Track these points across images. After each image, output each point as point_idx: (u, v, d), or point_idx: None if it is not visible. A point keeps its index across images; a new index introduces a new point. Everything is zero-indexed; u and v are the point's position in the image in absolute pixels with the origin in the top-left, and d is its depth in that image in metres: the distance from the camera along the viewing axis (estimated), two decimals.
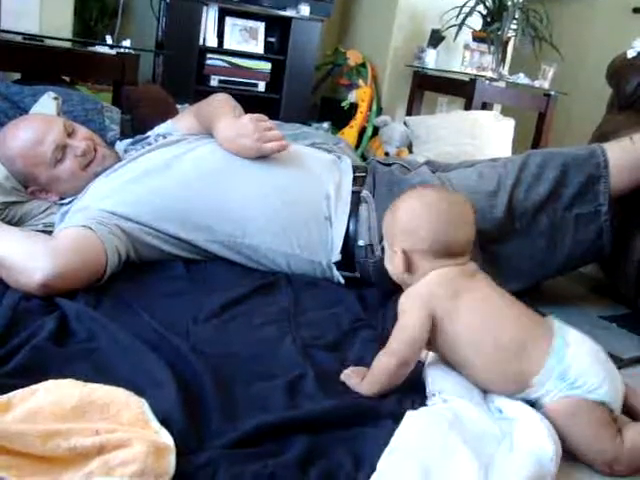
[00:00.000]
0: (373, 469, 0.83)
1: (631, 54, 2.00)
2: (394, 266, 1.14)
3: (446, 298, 1.05)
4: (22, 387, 0.87)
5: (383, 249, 1.22)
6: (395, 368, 1.03)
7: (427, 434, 0.89)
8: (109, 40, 2.84)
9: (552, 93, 3.86)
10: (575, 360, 0.99)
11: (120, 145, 1.79)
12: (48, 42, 2.46)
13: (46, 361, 1.01)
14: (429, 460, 0.84)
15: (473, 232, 1.13)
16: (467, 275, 1.09)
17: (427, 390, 1.07)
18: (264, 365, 1.08)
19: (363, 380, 1.05)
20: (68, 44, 2.64)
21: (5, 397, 0.84)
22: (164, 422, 0.85)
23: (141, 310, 1.23)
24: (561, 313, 1.61)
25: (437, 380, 1.07)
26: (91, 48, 2.71)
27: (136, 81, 2.53)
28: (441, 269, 1.08)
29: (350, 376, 1.06)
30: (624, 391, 1.03)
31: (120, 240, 1.44)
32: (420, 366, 1.13)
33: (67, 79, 2.50)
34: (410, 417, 0.93)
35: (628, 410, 1.05)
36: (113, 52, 2.62)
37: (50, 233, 1.47)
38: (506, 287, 1.48)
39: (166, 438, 0.82)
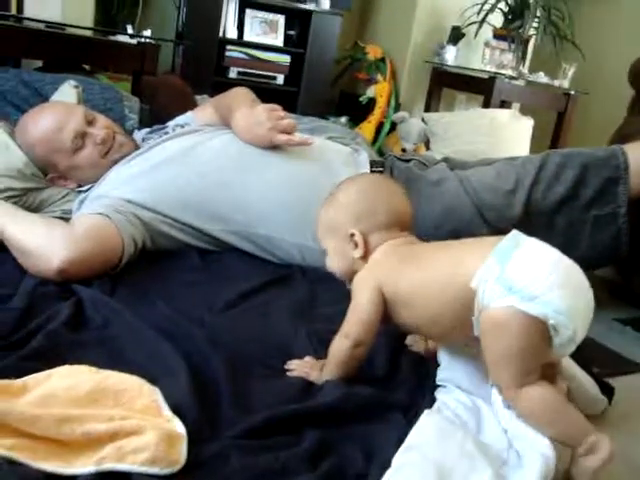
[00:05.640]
0: (383, 465, 0.83)
1: None
2: (346, 258, 1.09)
3: (391, 264, 1.03)
4: (37, 371, 0.88)
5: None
6: (349, 350, 1.01)
7: (444, 437, 0.88)
8: (130, 30, 2.85)
9: (572, 93, 3.83)
10: (520, 262, 0.89)
11: (138, 134, 1.80)
12: (70, 31, 2.47)
13: (61, 346, 1.02)
14: (445, 462, 0.83)
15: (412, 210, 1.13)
16: (411, 243, 1.08)
17: (438, 377, 1.06)
18: (278, 357, 1.08)
19: (322, 369, 1.03)
20: (89, 33, 2.64)
21: (20, 381, 0.85)
22: (177, 411, 0.85)
23: (156, 299, 1.24)
24: None
25: (450, 369, 1.07)
26: (112, 37, 2.71)
27: (155, 71, 2.53)
28: (390, 241, 1.07)
29: (309, 373, 1.03)
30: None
31: (136, 229, 1.44)
32: (432, 356, 1.13)
33: (87, 68, 2.51)
34: (427, 416, 0.92)
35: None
36: (133, 42, 2.62)
37: (68, 220, 1.49)
38: None
39: (178, 427, 0.82)
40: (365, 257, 1.08)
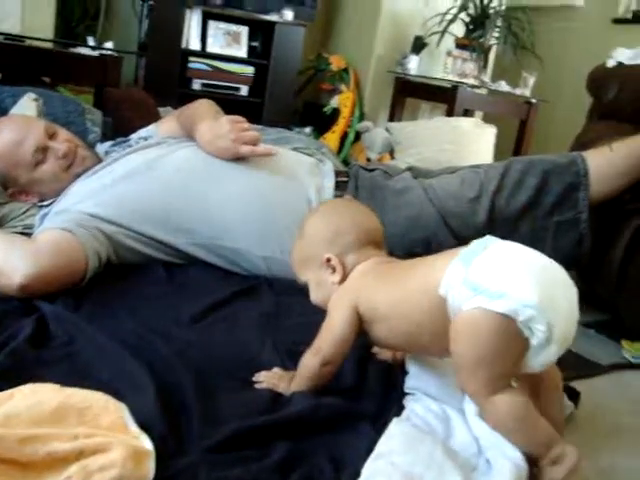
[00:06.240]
0: (353, 475, 0.83)
1: (610, 64, 2.03)
2: (326, 285, 1.08)
3: (367, 282, 1.03)
4: None
5: None
6: (319, 367, 1.01)
7: (413, 445, 0.88)
8: (91, 42, 2.82)
9: (533, 101, 3.89)
10: (486, 262, 0.87)
11: (101, 147, 1.79)
12: (29, 43, 2.44)
13: (24, 364, 1.00)
14: (414, 469, 0.83)
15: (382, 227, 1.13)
16: (387, 261, 1.08)
17: (406, 386, 1.07)
18: (246, 369, 1.07)
19: (291, 381, 1.03)
20: (49, 45, 2.62)
21: None
22: (144, 426, 0.84)
23: (122, 313, 1.23)
24: None
25: (418, 377, 1.07)
26: (73, 49, 2.69)
27: (118, 83, 2.51)
28: (366, 261, 1.06)
29: (277, 385, 1.03)
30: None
31: (100, 243, 1.43)
32: (399, 364, 1.13)
33: (48, 80, 2.48)
34: (396, 424, 0.93)
35: None
36: (95, 54, 2.60)
37: (30, 235, 1.46)
38: None
39: (146, 443, 0.81)
40: (343, 280, 1.07)
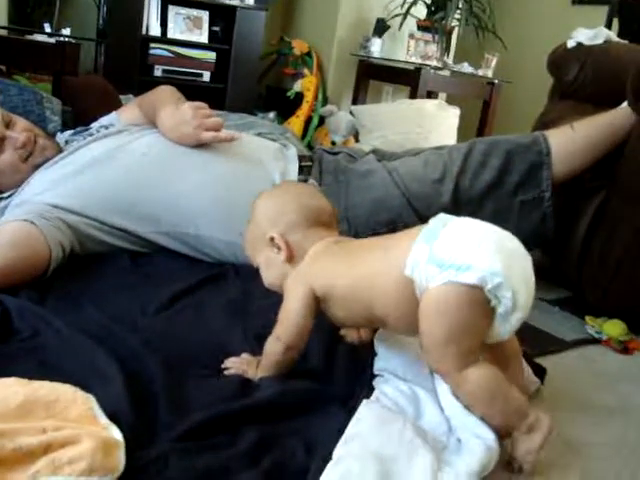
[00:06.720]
0: (325, 458, 0.83)
1: (570, 44, 2.05)
2: (275, 265, 1.07)
3: (323, 263, 1.03)
4: None
5: None
6: (282, 353, 1.01)
7: (383, 426, 0.89)
8: (48, 28, 2.77)
9: (496, 82, 3.92)
10: (447, 238, 0.90)
11: (61, 136, 1.75)
12: None
13: None
14: (386, 450, 0.84)
15: (332, 208, 1.13)
16: (340, 241, 1.08)
17: (375, 367, 1.07)
18: (214, 356, 1.07)
19: (258, 368, 1.03)
20: (4, 32, 2.56)
21: None
22: (113, 417, 0.83)
23: (87, 304, 1.21)
24: None
25: (387, 358, 1.08)
26: (29, 36, 2.63)
27: (77, 71, 2.46)
28: (318, 243, 1.05)
29: (245, 371, 1.03)
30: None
31: (63, 234, 1.40)
32: (367, 345, 1.14)
33: (3, 69, 2.43)
34: (365, 406, 0.93)
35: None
36: (52, 40, 2.55)
37: None
38: None
39: (115, 433, 0.80)
40: (291, 260, 1.06)
